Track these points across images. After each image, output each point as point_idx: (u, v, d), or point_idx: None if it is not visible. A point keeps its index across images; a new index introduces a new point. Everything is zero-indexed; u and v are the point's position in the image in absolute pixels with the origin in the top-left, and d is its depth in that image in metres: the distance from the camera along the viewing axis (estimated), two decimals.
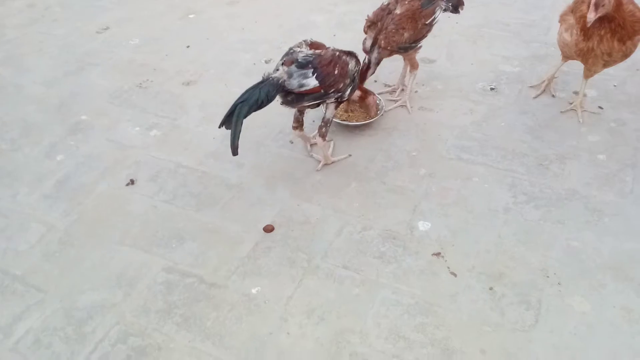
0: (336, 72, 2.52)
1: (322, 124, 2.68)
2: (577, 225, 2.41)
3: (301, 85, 2.45)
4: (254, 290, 2.23)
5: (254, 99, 2.33)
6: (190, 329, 2.11)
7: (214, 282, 2.27)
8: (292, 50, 2.58)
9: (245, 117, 2.32)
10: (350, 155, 2.86)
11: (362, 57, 2.84)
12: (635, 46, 2.67)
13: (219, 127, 2.36)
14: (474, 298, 2.16)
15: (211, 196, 2.68)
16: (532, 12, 4.03)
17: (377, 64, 2.93)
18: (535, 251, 2.31)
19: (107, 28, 4.18)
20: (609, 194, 2.56)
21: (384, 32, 2.79)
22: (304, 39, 2.65)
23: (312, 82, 2.46)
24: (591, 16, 2.41)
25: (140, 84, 3.53)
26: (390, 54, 2.88)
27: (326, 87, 2.50)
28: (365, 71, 2.90)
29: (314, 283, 2.25)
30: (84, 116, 3.25)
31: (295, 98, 2.51)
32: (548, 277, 2.21)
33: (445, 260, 2.30)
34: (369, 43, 2.88)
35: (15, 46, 4.01)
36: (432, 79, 3.39)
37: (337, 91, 2.57)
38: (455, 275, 2.25)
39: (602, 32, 2.56)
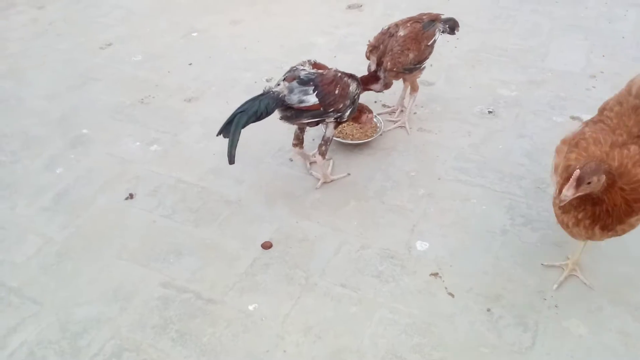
0: (337, 92, 2.55)
1: (322, 142, 2.71)
2: (574, 248, 2.42)
3: (301, 101, 2.48)
4: (251, 307, 2.23)
5: (253, 110, 2.35)
6: (186, 345, 2.10)
7: (211, 298, 2.27)
8: (294, 68, 2.62)
9: (243, 127, 2.35)
10: (349, 174, 2.88)
11: None
12: (633, 226, 1.96)
13: (217, 135, 2.38)
14: (471, 319, 2.16)
15: (210, 212, 2.68)
16: (529, 39, 4.10)
17: (386, 87, 2.97)
18: (533, 273, 2.32)
19: (110, 44, 4.22)
20: None
21: (389, 54, 2.84)
22: (307, 59, 2.69)
23: (312, 99, 2.49)
24: (568, 194, 1.75)
25: (142, 99, 3.55)
26: (397, 75, 2.92)
27: (325, 105, 2.53)
28: (370, 79, 2.93)
29: (311, 301, 2.25)
30: (85, 130, 3.27)
31: (294, 114, 2.54)
32: (545, 299, 2.22)
33: (443, 281, 2.31)
34: (373, 67, 2.92)
35: (18, 60, 4.04)
36: (431, 102, 3.43)
37: (337, 111, 2.60)
38: (452, 295, 2.25)
39: (580, 216, 1.91)
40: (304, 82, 2.49)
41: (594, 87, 3.52)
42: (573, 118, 3.22)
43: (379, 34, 2.95)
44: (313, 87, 2.48)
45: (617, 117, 2.06)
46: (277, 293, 2.28)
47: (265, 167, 2.95)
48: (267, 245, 2.49)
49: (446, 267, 2.36)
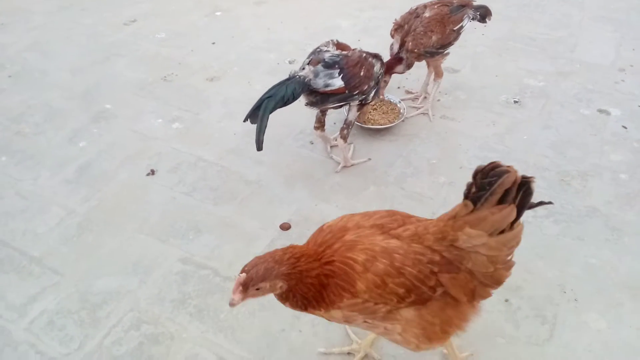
0: (362, 73, 2.53)
1: (345, 125, 2.69)
2: (596, 242, 2.39)
3: (326, 85, 2.46)
4: None
5: (280, 95, 2.34)
6: (203, 320, 2.11)
7: (229, 276, 2.27)
8: (318, 49, 2.59)
9: (271, 112, 2.33)
10: (369, 159, 2.86)
11: None
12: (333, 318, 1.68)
13: (244, 121, 2.37)
14: (489, 309, 2.14)
15: (230, 191, 2.68)
16: (559, 29, 4.01)
17: (409, 67, 2.93)
18: (553, 266, 2.29)
19: (134, 20, 4.22)
20: (630, 213, 2.53)
21: (412, 34, 2.80)
22: (330, 39, 2.66)
23: (337, 82, 2.47)
24: (235, 298, 1.51)
25: (165, 77, 3.55)
26: (418, 57, 2.88)
27: (351, 88, 2.51)
28: (393, 63, 2.90)
29: None
30: (108, 105, 3.29)
31: (320, 99, 2.51)
32: (565, 292, 2.19)
33: None
34: (396, 46, 2.88)
35: (42, 33, 4.06)
36: (456, 89, 3.39)
37: (361, 93, 2.57)
38: None
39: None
40: (329, 65, 2.46)
41: (622, 80, 3.44)
42: (600, 111, 3.16)
43: (406, 13, 2.91)
44: (338, 70, 2.46)
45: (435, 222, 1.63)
46: None
47: (285, 149, 2.95)
48: (285, 227, 2.49)
49: None
